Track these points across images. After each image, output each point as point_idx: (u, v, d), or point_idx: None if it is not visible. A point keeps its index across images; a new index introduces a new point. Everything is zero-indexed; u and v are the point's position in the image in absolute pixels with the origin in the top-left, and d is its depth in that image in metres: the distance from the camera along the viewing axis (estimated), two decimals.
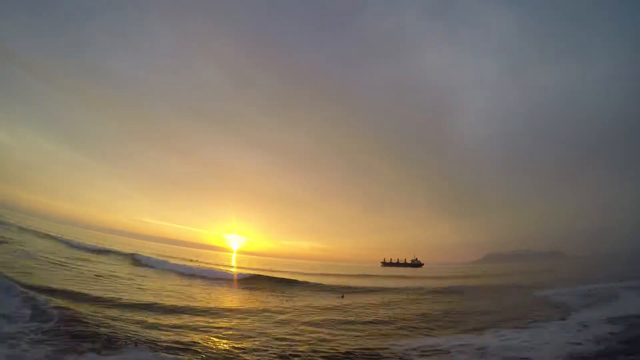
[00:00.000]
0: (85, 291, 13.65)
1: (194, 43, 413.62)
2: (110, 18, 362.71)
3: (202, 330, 9.68)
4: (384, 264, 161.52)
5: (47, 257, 23.56)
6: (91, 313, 9.81)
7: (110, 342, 7.44)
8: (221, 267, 40.57)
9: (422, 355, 8.37)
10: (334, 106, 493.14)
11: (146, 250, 56.12)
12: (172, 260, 38.24)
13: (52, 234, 47.15)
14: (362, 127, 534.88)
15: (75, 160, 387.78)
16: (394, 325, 12.26)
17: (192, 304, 14.16)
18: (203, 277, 27.47)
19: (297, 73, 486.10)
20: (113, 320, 9.54)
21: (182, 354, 7.36)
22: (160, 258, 38.32)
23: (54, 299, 10.81)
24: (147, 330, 8.99)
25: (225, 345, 8.28)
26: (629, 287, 21.44)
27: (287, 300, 18.38)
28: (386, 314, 14.67)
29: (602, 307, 15.66)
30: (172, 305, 13.31)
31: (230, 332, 9.79)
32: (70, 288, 13.77)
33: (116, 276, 21.05)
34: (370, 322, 12.84)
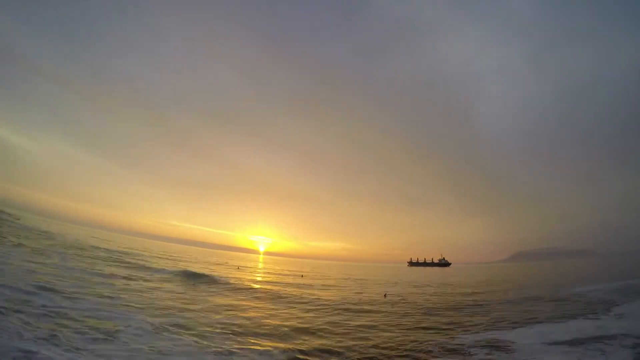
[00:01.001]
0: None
1: (209, 45, 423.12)
2: (125, 24, 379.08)
3: None
4: (411, 263, 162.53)
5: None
6: None
7: None
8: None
9: None
10: (355, 102, 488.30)
11: (189, 258, 56.02)
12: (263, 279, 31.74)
13: (106, 246, 42.46)
14: (385, 122, 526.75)
15: (99, 164, 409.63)
16: None
17: None
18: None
19: (316, 70, 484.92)
20: None
21: None
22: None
23: None
24: None
25: None
26: None
27: None
28: None
29: None
30: None
31: None
32: None
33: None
34: None
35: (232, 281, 25.61)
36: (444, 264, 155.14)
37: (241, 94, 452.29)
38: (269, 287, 25.15)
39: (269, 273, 43.04)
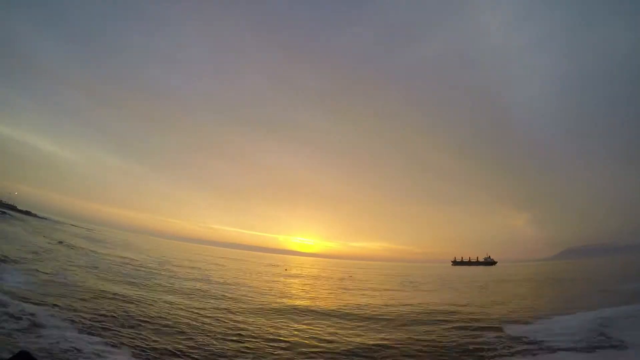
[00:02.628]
0: None
1: (233, 50, 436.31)
2: (153, 35, 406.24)
3: None
4: (455, 262, 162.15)
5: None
6: None
7: None
8: None
9: None
10: (384, 96, 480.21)
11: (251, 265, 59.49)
12: None
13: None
14: (417, 117, 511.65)
15: (139, 172, 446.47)
16: None
17: None
18: None
19: (341, 67, 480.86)
20: None
21: None
22: None
23: None
24: None
25: None
26: None
27: None
28: None
29: None
30: None
31: None
32: None
33: None
34: None
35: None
36: (489, 262, 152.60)
37: (270, 98, 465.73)
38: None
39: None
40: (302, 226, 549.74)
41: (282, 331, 13.05)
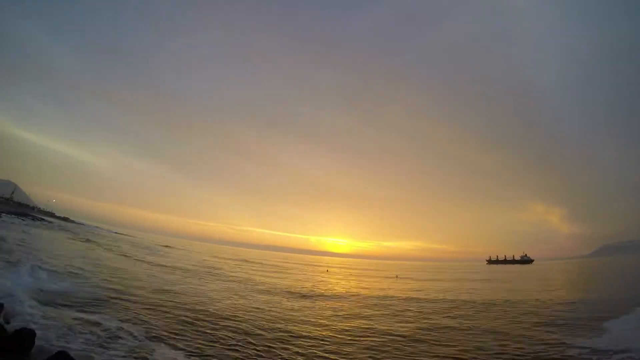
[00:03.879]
0: None
1: (255, 54, 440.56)
2: (173, 44, 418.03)
3: None
4: (490, 261, 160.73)
5: None
6: None
7: None
8: None
9: None
10: (408, 90, 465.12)
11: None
12: None
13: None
14: (444, 110, 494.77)
15: (169, 176, 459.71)
16: None
17: None
18: None
19: (359, 60, 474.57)
20: None
21: None
22: None
23: None
24: None
25: None
26: None
27: None
28: None
29: None
30: None
31: None
32: None
33: None
34: None
35: None
36: (525, 261, 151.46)
37: (294, 98, 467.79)
38: None
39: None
40: (334, 227, 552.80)
41: None
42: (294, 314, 17.31)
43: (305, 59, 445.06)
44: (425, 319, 17.50)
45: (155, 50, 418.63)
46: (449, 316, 18.30)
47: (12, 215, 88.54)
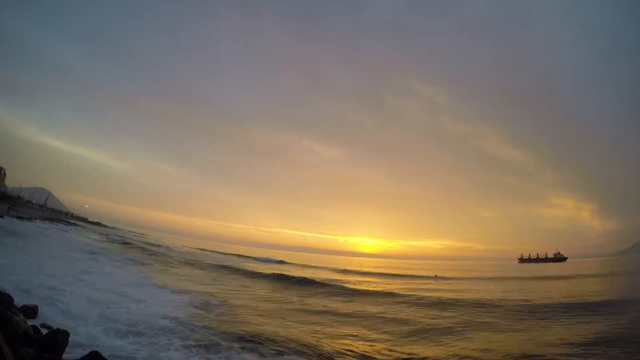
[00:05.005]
0: None
1: (273, 57, 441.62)
2: (194, 55, 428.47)
3: None
4: (522, 260, 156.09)
5: None
6: None
7: None
8: None
9: None
10: (429, 85, 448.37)
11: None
12: None
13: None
14: (467, 105, 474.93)
15: (196, 180, 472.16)
16: None
17: None
18: None
19: (380, 58, 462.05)
20: None
21: None
22: None
23: None
24: None
25: None
26: None
27: None
28: None
29: None
30: None
31: None
32: None
33: None
34: None
35: None
36: (559, 258, 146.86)
37: (312, 97, 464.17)
38: None
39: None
40: (362, 227, 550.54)
41: None
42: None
43: (323, 58, 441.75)
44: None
45: (176, 58, 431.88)
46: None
47: (46, 221, 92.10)
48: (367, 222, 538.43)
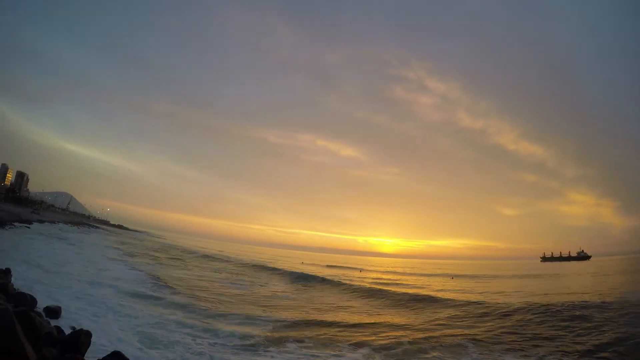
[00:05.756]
0: None
1: (281, 57, 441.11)
2: (205, 59, 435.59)
3: None
4: (544, 259, 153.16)
5: None
6: None
7: None
8: None
9: None
10: (441, 79, 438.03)
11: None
12: None
13: None
14: (481, 99, 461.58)
15: (213, 182, 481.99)
16: None
17: None
18: None
19: (393, 56, 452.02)
20: None
21: None
22: None
23: None
24: None
25: None
26: None
27: None
28: None
29: None
30: None
31: None
32: None
33: None
34: None
35: None
36: (583, 257, 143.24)
37: (323, 98, 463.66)
38: None
39: None
40: (380, 227, 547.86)
41: None
42: None
43: (332, 57, 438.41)
44: None
45: (188, 62, 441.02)
46: None
47: (69, 224, 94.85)
48: (386, 221, 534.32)
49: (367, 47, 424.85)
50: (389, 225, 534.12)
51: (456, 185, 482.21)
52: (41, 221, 67.61)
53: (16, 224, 46.76)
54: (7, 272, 12.86)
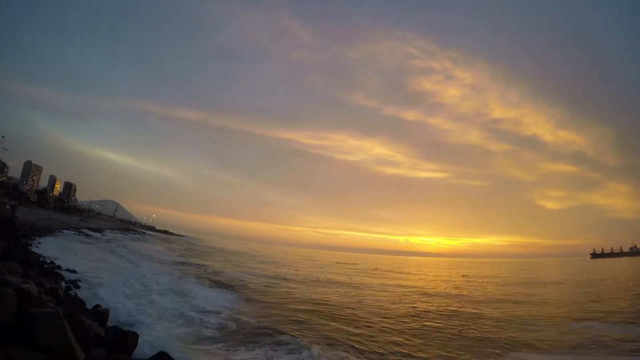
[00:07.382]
0: None
1: (300, 58, 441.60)
2: (233, 70, 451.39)
3: None
4: (594, 255, 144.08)
5: None
6: None
7: None
8: None
9: None
10: (469, 69, 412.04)
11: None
12: None
13: None
14: (514, 87, 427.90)
15: (252, 186, 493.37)
16: None
17: None
18: None
19: (417, 47, 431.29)
20: None
21: None
22: None
23: None
24: None
25: None
26: None
27: None
28: None
29: None
30: None
31: None
32: None
33: None
34: None
35: None
36: (635, 252, 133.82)
37: (351, 99, 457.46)
38: None
39: None
40: (421, 226, 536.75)
41: None
42: None
43: (352, 55, 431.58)
44: None
45: (214, 72, 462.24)
46: None
47: (116, 231, 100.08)
48: (426, 219, 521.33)
49: (387, 39, 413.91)
50: (429, 223, 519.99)
51: (496, 179, 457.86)
52: (90, 228, 72.07)
53: (65, 231, 50.34)
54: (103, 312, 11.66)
